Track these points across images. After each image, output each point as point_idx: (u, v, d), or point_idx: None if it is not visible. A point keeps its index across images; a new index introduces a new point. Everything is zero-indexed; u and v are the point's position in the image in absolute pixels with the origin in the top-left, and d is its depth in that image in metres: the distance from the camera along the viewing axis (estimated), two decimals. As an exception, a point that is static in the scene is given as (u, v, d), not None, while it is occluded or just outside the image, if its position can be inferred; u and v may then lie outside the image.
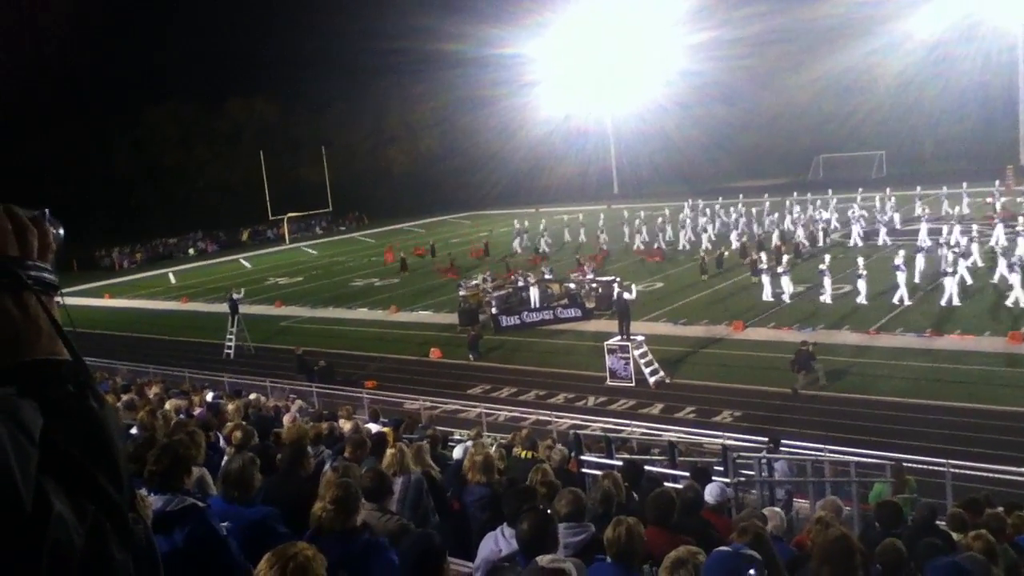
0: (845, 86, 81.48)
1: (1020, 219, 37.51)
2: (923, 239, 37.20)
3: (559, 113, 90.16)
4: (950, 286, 28.73)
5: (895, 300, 29.54)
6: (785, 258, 33.60)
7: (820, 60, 79.25)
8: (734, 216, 51.36)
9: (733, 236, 45.62)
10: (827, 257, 33.03)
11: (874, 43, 75.13)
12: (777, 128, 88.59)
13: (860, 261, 31.28)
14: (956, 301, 28.54)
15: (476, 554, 5.71)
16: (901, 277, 29.64)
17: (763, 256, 34.41)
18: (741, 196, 56.69)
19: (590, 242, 51.53)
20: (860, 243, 41.44)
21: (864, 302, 29.74)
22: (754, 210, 51.68)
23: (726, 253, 40.79)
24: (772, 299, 32.04)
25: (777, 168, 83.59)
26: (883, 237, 41.63)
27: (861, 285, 30.01)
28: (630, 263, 45.04)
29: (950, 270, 29.09)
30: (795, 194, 56.18)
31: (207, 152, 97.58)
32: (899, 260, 30.12)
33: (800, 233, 44.16)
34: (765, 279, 32.64)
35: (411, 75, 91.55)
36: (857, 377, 22.98)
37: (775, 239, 43.09)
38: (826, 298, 30.65)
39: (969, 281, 30.57)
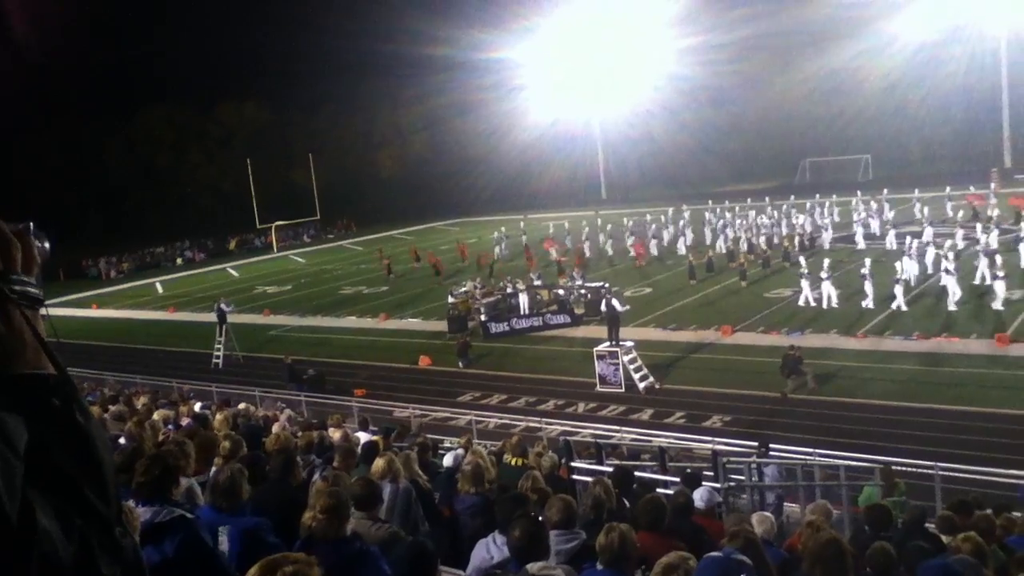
0: (831, 89, 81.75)
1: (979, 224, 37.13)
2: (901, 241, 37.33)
3: (547, 118, 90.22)
4: (952, 287, 28.54)
5: (951, 306, 28.50)
6: (826, 262, 32.41)
7: (806, 63, 79.56)
8: (681, 223, 51.94)
9: (680, 243, 45.87)
10: (868, 261, 31.71)
11: (860, 46, 75.38)
12: (764, 132, 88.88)
13: (899, 266, 30.89)
14: (952, 305, 28.39)
15: (468, 562, 5.70)
16: (951, 280, 28.79)
17: (803, 260, 33.23)
18: (710, 202, 57.20)
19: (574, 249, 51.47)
20: (864, 245, 41.52)
21: (904, 308, 28.87)
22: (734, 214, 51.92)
23: (713, 257, 40.91)
24: (814, 304, 30.92)
25: (764, 172, 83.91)
26: (860, 240, 42.24)
27: (898, 290, 29.19)
28: (619, 269, 45.08)
29: (951, 272, 28.93)
30: (768, 199, 56.42)
31: (199, 156, 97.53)
32: (949, 264, 29.31)
33: (796, 234, 44.49)
34: (804, 284, 31.49)
35: (400, 79, 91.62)
36: (846, 381, 23.03)
37: (762, 243, 43.38)
38: (869, 303, 29.64)
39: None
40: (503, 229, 57.42)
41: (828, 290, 30.80)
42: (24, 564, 1.09)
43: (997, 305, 27.97)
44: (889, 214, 47.68)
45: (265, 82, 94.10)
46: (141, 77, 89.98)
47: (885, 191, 51.33)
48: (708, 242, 46.34)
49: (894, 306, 29.25)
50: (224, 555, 4.43)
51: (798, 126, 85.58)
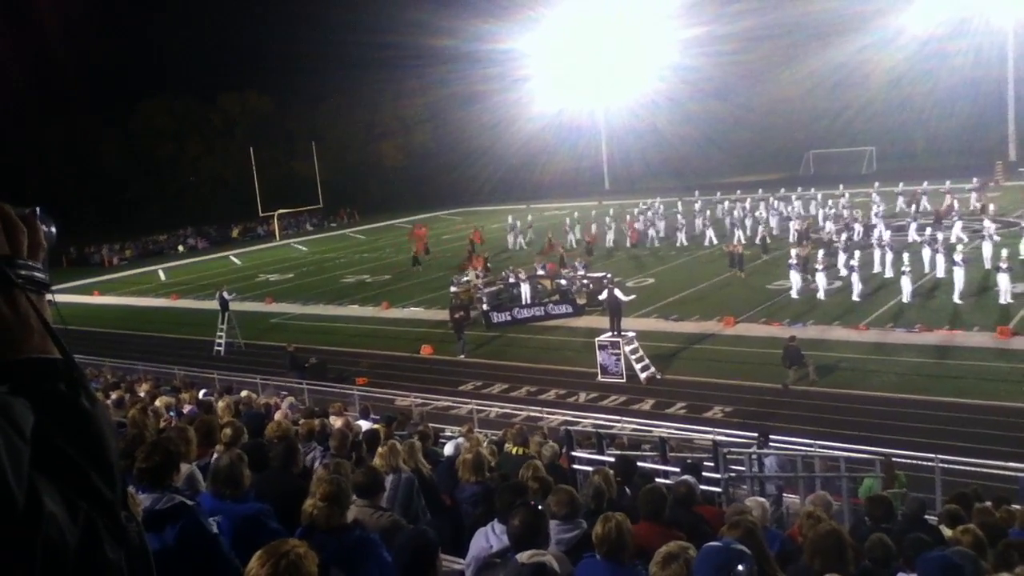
0: (837, 82, 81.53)
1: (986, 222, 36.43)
2: (912, 235, 37.33)
3: (551, 108, 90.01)
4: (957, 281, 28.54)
5: (1002, 301, 27.68)
6: (820, 253, 32.30)
7: (812, 56, 79.44)
8: (706, 214, 51.38)
9: (709, 233, 45.76)
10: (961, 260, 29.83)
11: (866, 39, 75.23)
12: (769, 124, 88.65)
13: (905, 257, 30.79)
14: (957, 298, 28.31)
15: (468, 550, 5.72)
16: (1004, 278, 27.82)
17: (820, 254, 32.54)
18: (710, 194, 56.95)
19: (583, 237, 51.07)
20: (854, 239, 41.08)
21: (959, 301, 28.20)
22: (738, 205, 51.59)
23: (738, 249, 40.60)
24: (824, 298, 30.72)
25: (768, 164, 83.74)
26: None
27: (958, 276, 28.66)
28: (621, 259, 45.03)
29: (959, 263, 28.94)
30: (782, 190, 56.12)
31: (200, 146, 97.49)
32: (1004, 263, 28.26)
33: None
34: (820, 276, 31.11)
35: (404, 70, 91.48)
36: (847, 372, 23.03)
37: (764, 234, 43.14)
38: (956, 297, 28.62)
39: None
40: (511, 218, 57.01)
41: (822, 282, 30.92)
42: (29, 547, 1.10)
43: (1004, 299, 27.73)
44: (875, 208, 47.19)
45: (267, 72, 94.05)
46: (143, 67, 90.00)
47: (876, 184, 51.23)
48: (730, 234, 45.85)
49: (955, 298, 28.74)
50: (225, 542, 4.44)
51: (803, 118, 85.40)
